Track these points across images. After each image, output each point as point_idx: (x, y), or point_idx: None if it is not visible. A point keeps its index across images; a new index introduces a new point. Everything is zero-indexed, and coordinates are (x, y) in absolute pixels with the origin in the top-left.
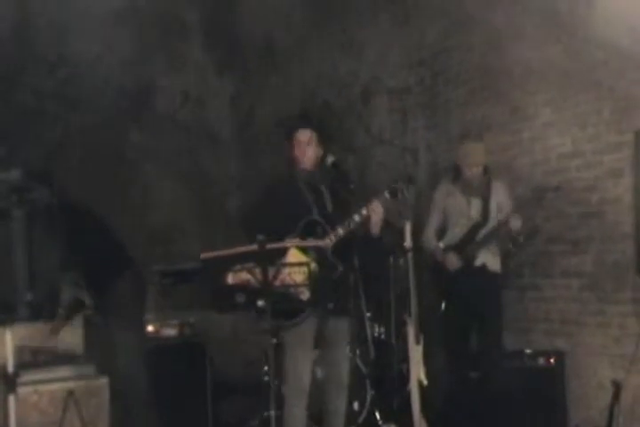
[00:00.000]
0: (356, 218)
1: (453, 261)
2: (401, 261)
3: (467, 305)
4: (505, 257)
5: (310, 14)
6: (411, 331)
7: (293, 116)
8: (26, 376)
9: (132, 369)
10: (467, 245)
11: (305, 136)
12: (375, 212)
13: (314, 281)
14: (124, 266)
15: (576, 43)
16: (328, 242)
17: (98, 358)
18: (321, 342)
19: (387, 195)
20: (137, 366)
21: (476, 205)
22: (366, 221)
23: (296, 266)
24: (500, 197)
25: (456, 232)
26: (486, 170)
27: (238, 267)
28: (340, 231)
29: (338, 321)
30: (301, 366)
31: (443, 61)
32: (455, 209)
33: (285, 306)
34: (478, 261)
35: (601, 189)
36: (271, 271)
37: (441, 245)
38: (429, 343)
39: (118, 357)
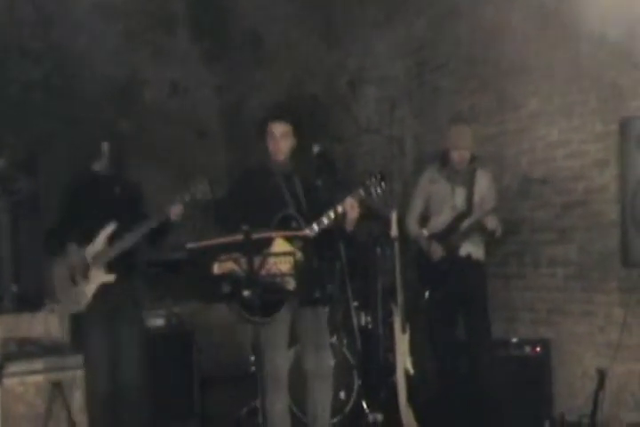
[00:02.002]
0: (331, 215)
1: (437, 251)
2: (387, 250)
3: (451, 294)
4: (487, 247)
5: (297, 5)
6: (397, 320)
7: (269, 107)
8: (12, 367)
9: (127, 360)
10: (451, 235)
11: (279, 129)
12: (351, 209)
13: (299, 271)
14: None
15: (562, 33)
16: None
17: (84, 349)
18: (300, 330)
19: (361, 192)
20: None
21: (460, 193)
22: (341, 217)
23: (282, 255)
24: (484, 189)
25: (440, 220)
26: (473, 158)
27: (224, 257)
28: (315, 228)
29: (316, 310)
30: (277, 358)
31: (430, 51)
32: (439, 197)
33: (270, 297)
34: (462, 251)
35: (587, 179)
36: (257, 261)
37: (425, 232)
38: (415, 332)
39: (122, 349)
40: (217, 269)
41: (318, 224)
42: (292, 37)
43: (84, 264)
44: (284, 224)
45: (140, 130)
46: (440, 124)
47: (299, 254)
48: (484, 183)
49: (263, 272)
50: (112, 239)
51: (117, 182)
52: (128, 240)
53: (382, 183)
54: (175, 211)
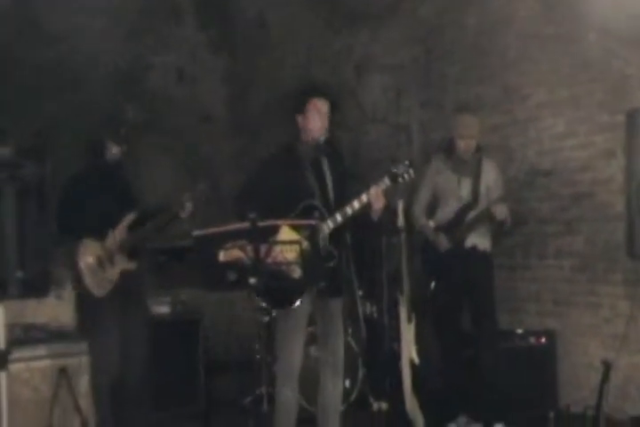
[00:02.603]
0: (356, 205)
1: (443, 243)
2: (394, 240)
3: (457, 285)
4: (495, 238)
5: None
6: (402, 310)
7: (309, 83)
8: (18, 353)
9: (136, 347)
10: (457, 227)
11: (325, 106)
12: (376, 199)
13: (305, 259)
14: None
15: (569, 24)
16: (324, 227)
17: (86, 336)
18: (316, 322)
19: (387, 181)
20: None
21: (466, 184)
22: (366, 207)
23: (288, 244)
24: (490, 178)
25: (446, 211)
26: (478, 148)
27: (230, 244)
28: (339, 218)
29: (332, 301)
30: (292, 346)
31: (437, 39)
32: (445, 187)
33: (278, 285)
34: (468, 243)
35: (593, 170)
36: (263, 249)
37: (431, 224)
38: (421, 322)
39: (127, 333)
40: (223, 256)
41: (342, 215)
42: (297, 24)
43: (110, 250)
44: (306, 214)
45: (146, 117)
46: (446, 113)
47: (305, 243)
48: (490, 173)
49: (269, 260)
50: (133, 227)
51: (124, 169)
52: (148, 229)
53: (410, 171)
54: (189, 208)
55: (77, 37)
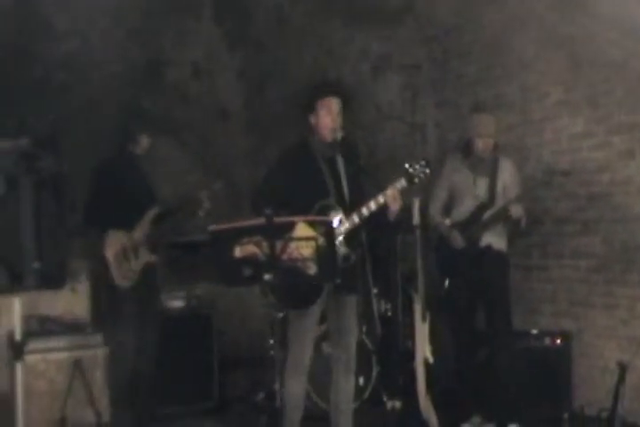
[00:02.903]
0: (372, 206)
1: (458, 240)
2: (409, 238)
3: (471, 284)
4: (511, 238)
5: None
6: (417, 308)
7: (319, 81)
8: (33, 344)
9: (150, 340)
10: (472, 226)
11: (337, 104)
12: (393, 200)
13: (321, 256)
14: None
15: (589, 22)
16: (341, 228)
17: (104, 328)
18: (328, 318)
19: (403, 182)
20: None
21: (482, 184)
22: (383, 208)
23: (304, 240)
24: (507, 177)
25: (462, 210)
26: (496, 147)
27: (246, 240)
28: (355, 219)
29: (347, 298)
30: (303, 343)
31: (454, 38)
32: (461, 186)
33: (293, 282)
34: (483, 242)
35: (611, 170)
36: (278, 245)
37: (447, 222)
38: (435, 320)
39: (144, 326)
40: (238, 252)
41: (359, 216)
42: (315, 21)
43: (135, 242)
44: (322, 214)
45: (161, 111)
46: (463, 113)
47: (321, 239)
48: (506, 172)
49: (284, 256)
50: (155, 221)
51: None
52: (169, 224)
53: (427, 170)
54: (207, 206)
55: (91, 32)
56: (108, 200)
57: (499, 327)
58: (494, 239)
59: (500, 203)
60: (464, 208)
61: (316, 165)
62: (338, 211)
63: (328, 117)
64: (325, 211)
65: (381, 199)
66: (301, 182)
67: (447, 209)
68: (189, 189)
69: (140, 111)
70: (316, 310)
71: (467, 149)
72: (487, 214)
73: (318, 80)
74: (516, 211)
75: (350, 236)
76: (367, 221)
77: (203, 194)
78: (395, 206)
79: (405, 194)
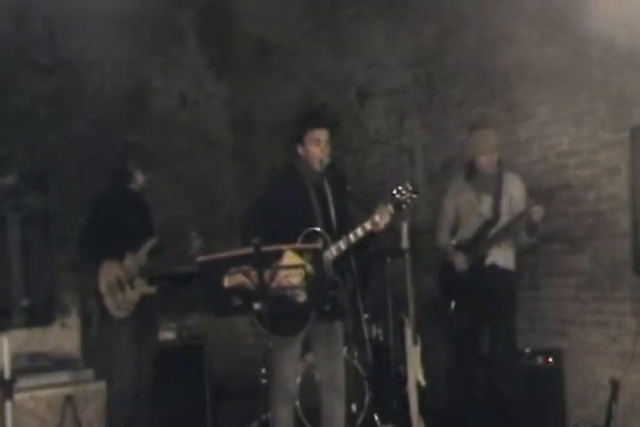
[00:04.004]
0: (359, 232)
1: (461, 262)
2: (398, 261)
3: (476, 305)
4: (521, 253)
5: (305, 15)
6: (408, 332)
7: (306, 112)
8: (23, 382)
9: (145, 372)
10: (477, 244)
11: (324, 135)
12: (379, 226)
13: (310, 283)
14: None
15: (571, 41)
16: (328, 255)
17: (96, 362)
18: (315, 345)
19: (390, 208)
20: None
21: (486, 202)
22: (369, 234)
23: (292, 268)
24: (514, 191)
25: (468, 230)
26: (500, 163)
27: (234, 270)
28: (342, 246)
29: (331, 324)
30: (287, 369)
31: (438, 61)
32: (466, 206)
33: (282, 310)
34: (488, 261)
35: (598, 187)
36: (267, 274)
37: (453, 242)
38: (429, 344)
39: (140, 358)
40: (227, 282)
41: (346, 243)
42: (300, 48)
43: (131, 274)
44: (309, 241)
45: (149, 141)
46: (450, 135)
47: (309, 267)
48: (512, 186)
49: (274, 285)
50: (152, 253)
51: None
52: (163, 256)
53: (414, 195)
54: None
55: (77, 64)
56: (104, 231)
57: (502, 350)
58: (500, 257)
59: (504, 220)
60: (469, 227)
61: (303, 192)
62: (325, 238)
63: (317, 149)
64: (313, 238)
65: (368, 226)
66: (289, 209)
67: (454, 230)
68: (179, 224)
69: (134, 148)
70: (297, 340)
71: (470, 169)
72: (492, 232)
73: (304, 112)
74: (538, 214)
75: (337, 262)
76: (354, 248)
77: (191, 234)
78: (381, 230)
79: (394, 218)
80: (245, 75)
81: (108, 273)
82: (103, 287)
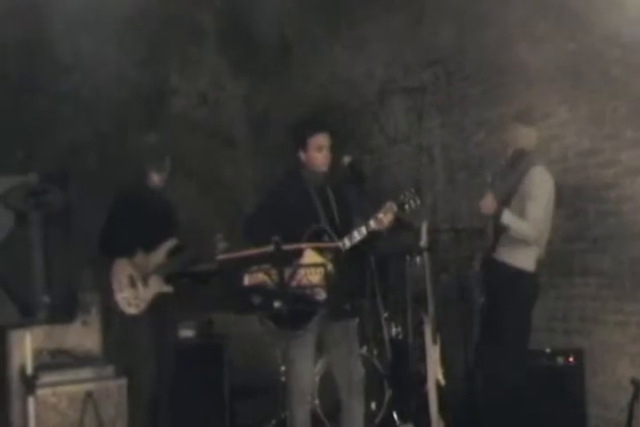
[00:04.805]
0: (363, 230)
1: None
2: (418, 260)
3: (494, 303)
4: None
5: (324, 14)
6: (428, 330)
7: (307, 118)
8: (45, 378)
9: (165, 370)
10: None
11: (325, 140)
12: (383, 223)
13: (330, 282)
14: None
15: (591, 40)
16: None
17: (118, 358)
18: (330, 345)
19: (394, 208)
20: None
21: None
22: (374, 231)
23: (312, 267)
24: (531, 184)
25: None
26: (529, 155)
27: (254, 268)
28: (347, 243)
29: (345, 322)
30: (301, 368)
31: (457, 60)
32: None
33: (300, 307)
34: (499, 258)
35: (619, 187)
36: (287, 272)
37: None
38: (448, 342)
39: (160, 356)
40: (247, 280)
41: (350, 239)
42: (319, 47)
43: (143, 270)
44: (315, 239)
45: (168, 141)
46: (469, 133)
47: (329, 266)
48: (531, 178)
49: (294, 284)
50: (172, 253)
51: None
52: (184, 259)
53: (416, 198)
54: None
55: (96, 64)
56: (119, 229)
57: (512, 346)
58: (510, 255)
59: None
60: None
61: (306, 196)
62: (330, 234)
63: (319, 154)
64: (318, 236)
65: (372, 224)
66: (293, 210)
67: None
68: (203, 235)
69: (147, 148)
70: (310, 338)
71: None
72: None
73: (305, 117)
74: (504, 217)
75: (355, 258)
76: (358, 245)
77: (217, 238)
78: (385, 227)
79: (415, 217)
80: (264, 74)
81: (120, 270)
82: (114, 284)
